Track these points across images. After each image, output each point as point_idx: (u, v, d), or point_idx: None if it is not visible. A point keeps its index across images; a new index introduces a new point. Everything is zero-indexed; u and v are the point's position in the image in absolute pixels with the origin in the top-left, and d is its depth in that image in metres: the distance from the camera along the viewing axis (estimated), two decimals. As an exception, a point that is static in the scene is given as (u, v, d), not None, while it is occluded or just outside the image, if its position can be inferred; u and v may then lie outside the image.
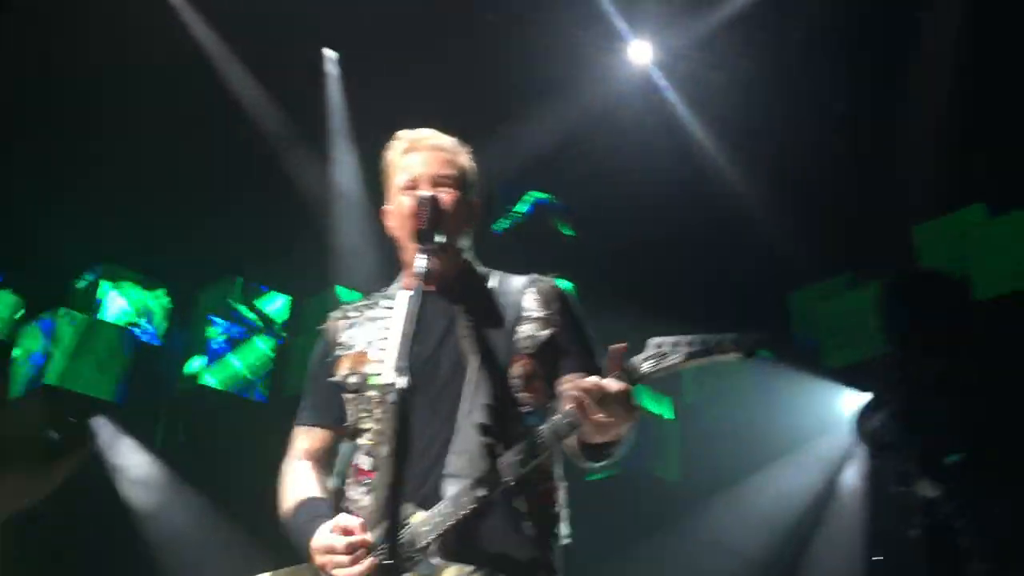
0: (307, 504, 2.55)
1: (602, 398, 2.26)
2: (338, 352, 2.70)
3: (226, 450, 8.37)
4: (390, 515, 2.04)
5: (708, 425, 8.95)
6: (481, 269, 2.82)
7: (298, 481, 2.64)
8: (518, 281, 2.77)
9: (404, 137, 2.82)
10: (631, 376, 2.33)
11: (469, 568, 2.33)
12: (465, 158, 2.84)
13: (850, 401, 8.33)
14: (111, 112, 7.66)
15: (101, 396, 8.17)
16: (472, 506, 2.33)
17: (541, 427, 2.40)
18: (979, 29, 7.21)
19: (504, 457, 2.38)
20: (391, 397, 2.41)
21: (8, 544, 7.60)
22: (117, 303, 8.62)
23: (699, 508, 8.71)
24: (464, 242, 2.77)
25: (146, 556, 7.92)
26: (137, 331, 8.70)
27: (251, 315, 8.96)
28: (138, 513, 8.20)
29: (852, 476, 8.17)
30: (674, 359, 2.32)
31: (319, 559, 2.37)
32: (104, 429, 8.42)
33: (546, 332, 2.65)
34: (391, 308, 2.63)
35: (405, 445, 2.11)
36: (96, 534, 7.86)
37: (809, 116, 8.09)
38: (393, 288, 2.78)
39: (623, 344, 2.34)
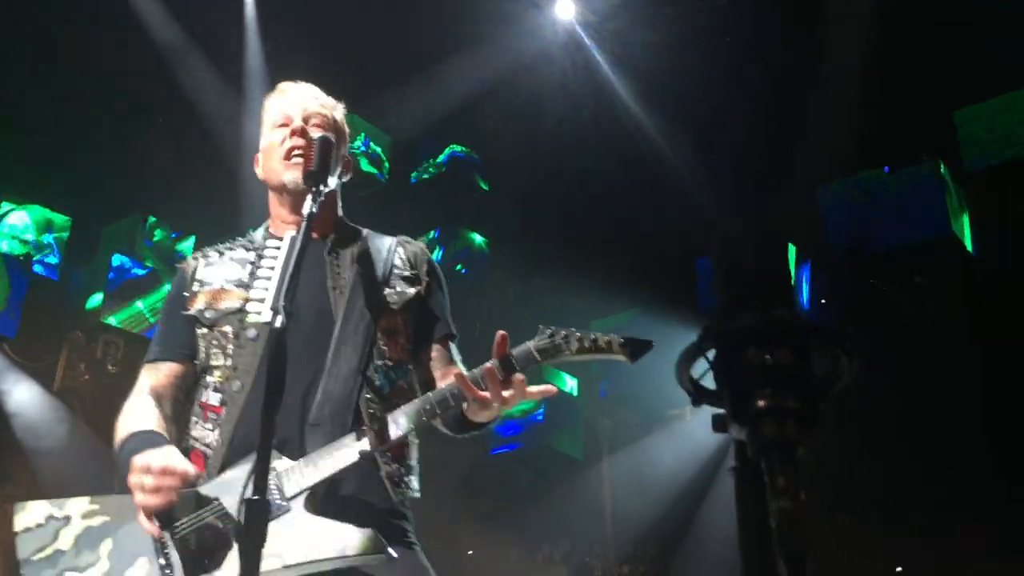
0: (139, 435, 2.45)
1: (501, 387, 2.34)
2: (195, 288, 2.66)
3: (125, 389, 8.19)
4: (260, 454, 1.97)
5: (611, 392, 9.14)
6: (350, 224, 2.81)
7: (135, 415, 2.54)
8: (388, 240, 2.78)
9: (280, 85, 2.81)
10: (522, 363, 2.39)
11: (340, 522, 2.30)
12: (339, 112, 2.82)
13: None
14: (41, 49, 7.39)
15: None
16: (354, 460, 2.33)
17: (430, 394, 2.43)
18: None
19: (393, 416, 2.40)
20: (250, 333, 2.50)
21: None
22: (18, 220, 8.29)
23: (593, 475, 8.99)
24: (335, 192, 2.76)
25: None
26: (36, 266, 8.40)
27: (154, 256, 8.73)
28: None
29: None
30: (566, 352, 2.41)
31: (132, 478, 2.30)
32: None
33: (413, 290, 2.68)
34: (253, 250, 2.68)
35: (276, 385, 2.04)
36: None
37: (727, 77, 8.21)
38: (259, 232, 2.77)
39: (503, 332, 2.39)
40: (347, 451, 2.34)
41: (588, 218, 9.24)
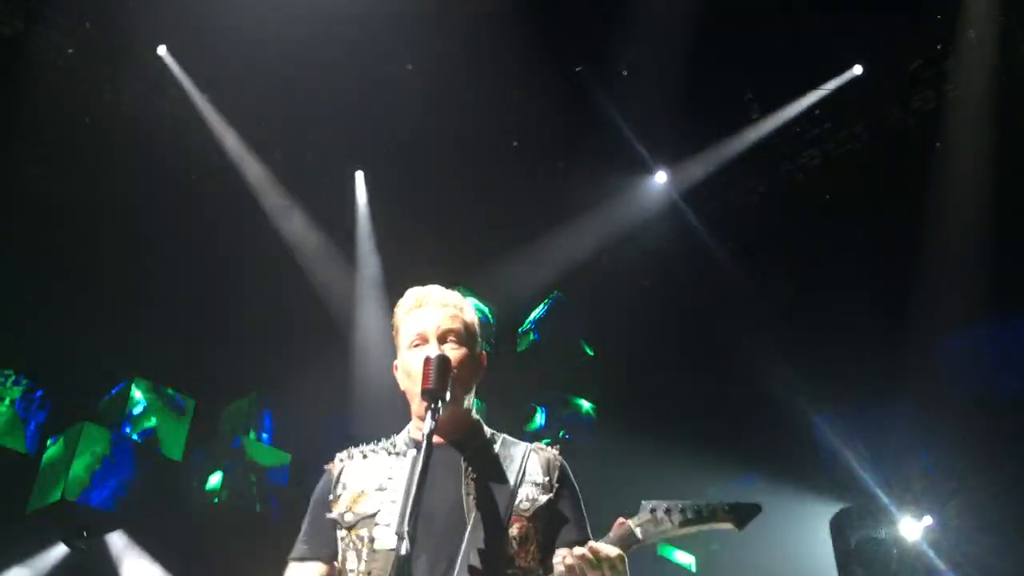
0: None
1: (598, 562, 2.34)
2: (339, 491, 2.73)
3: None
4: None
5: (732, 564, 8.75)
6: (486, 429, 2.85)
7: None
8: (522, 445, 2.81)
9: (411, 294, 2.86)
10: (625, 542, 2.39)
11: None
12: (470, 312, 2.87)
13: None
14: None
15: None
16: None
17: None
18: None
19: None
20: (377, 545, 2.52)
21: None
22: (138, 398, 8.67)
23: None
24: (470, 397, 2.79)
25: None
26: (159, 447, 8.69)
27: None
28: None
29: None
30: (667, 526, 2.38)
31: None
32: (116, 541, 8.36)
33: (545, 497, 2.68)
34: (393, 455, 2.75)
35: None
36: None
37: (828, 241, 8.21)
38: (400, 437, 2.84)
39: (623, 520, 2.42)
40: None
41: (697, 380, 9.12)
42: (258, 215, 8.19)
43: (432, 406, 2.40)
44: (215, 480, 8.83)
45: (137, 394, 8.67)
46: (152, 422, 8.69)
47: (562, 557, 2.44)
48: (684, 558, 9.47)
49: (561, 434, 9.66)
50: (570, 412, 9.91)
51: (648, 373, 9.27)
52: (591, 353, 9.90)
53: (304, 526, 2.78)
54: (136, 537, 8.47)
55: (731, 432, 8.46)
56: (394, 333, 2.88)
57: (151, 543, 8.47)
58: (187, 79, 7.54)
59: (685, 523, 2.38)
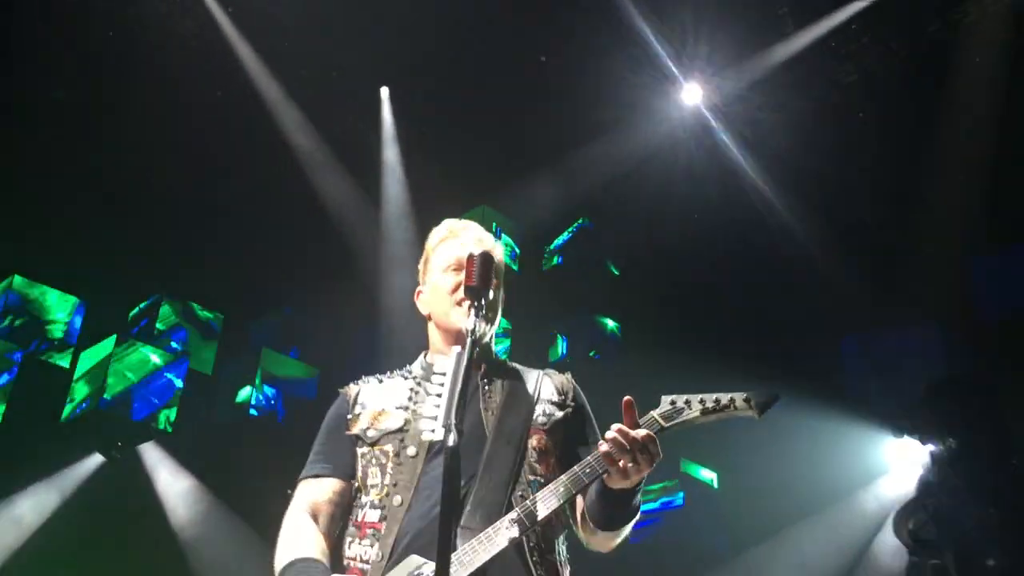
0: (297, 565, 2.53)
1: (630, 444, 2.39)
2: (357, 411, 2.79)
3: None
4: (441, 562, 2.04)
5: (753, 481, 8.84)
6: (501, 357, 2.95)
7: (297, 535, 2.63)
8: (535, 372, 2.90)
9: (446, 226, 2.97)
10: (650, 427, 2.47)
11: None
12: (500, 252, 2.95)
13: (895, 449, 8.23)
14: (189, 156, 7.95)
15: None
16: (504, 545, 2.37)
17: (562, 476, 2.49)
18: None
19: (540, 495, 2.47)
20: (410, 451, 2.60)
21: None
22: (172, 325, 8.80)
23: (740, 564, 8.65)
24: (492, 329, 2.86)
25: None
26: (189, 360, 8.84)
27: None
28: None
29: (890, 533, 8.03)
30: (689, 414, 2.49)
31: None
32: (150, 454, 8.56)
33: (561, 413, 2.78)
34: (411, 378, 2.82)
35: (452, 498, 2.15)
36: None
37: (860, 157, 8.06)
38: (416, 364, 2.91)
39: (629, 398, 2.46)
40: (497, 539, 2.39)
41: (720, 301, 9.10)
42: (283, 134, 8.14)
43: (475, 304, 2.42)
44: (244, 393, 9.00)
45: (167, 309, 8.79)
46: (182, 337, 8.82)
47: (597, 445, 2.48)
48: (707, 474, 9.60)
49: (591, 353, 9.72)
50: (595, 331, 9.95)
51: (672, 293, 9.25)
52: (616, 273, 9.88)
53: (317, 447, 2.84)
54: (168, 449, 8.68)
55: (757, 351, 8.46)
56: (423, 261, 2.96)
57: (183, 455, 8.68)
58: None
59: (706, 412, 2.49)
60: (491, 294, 2.66)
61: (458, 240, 2.89)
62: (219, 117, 7.88)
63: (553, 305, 9.61)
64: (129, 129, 7.72)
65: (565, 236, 9.87)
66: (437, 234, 2.95)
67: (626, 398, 2.46)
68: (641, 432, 2.40)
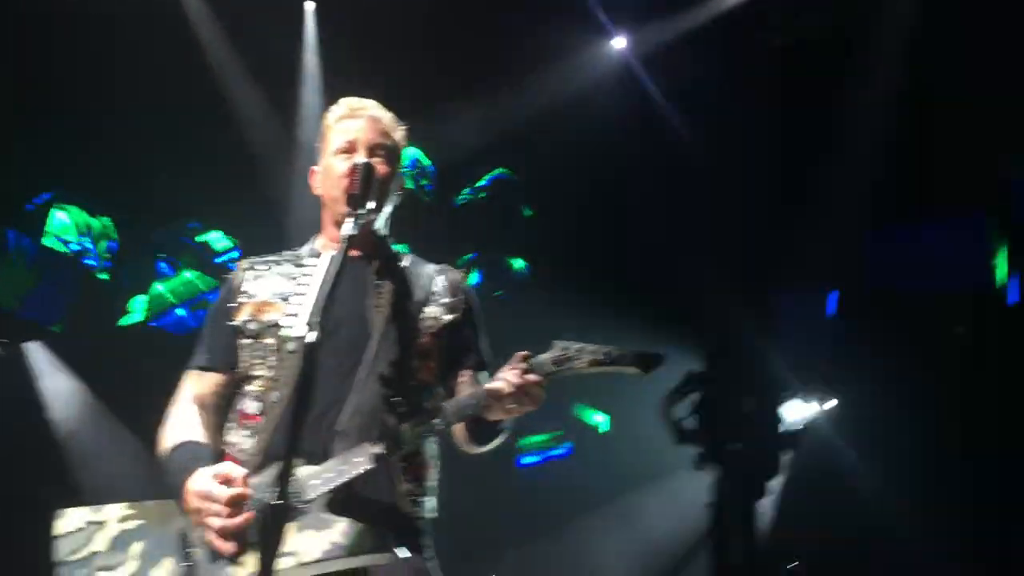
0: (187, 446, 2.55)
1: (516, 389, 2.45)
2: (240, 299, 2.74)
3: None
4: (285, 460, 2.06)
5: (640, 429, 9.06)
6: (396, 247, 2.90)
7: (182, 422, 2.64)
8: (430, 266, 2.88)
9: (345, 103, 2.88)
10: (539, 372, 2.49)
11: (354, 523, 2.36)
12: (400, 134, 2.90)
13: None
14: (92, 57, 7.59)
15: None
16: (368, 466, 2.40)
17: (445, 404, 2.54)
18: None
19: (404, 424, 2.48)
20: (290, 346, 2.57)
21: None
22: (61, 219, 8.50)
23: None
24: (385, 215, 2.82)
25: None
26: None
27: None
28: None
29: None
30: (577, 363, 2.51)
31: (195, 503, 2.38)
32: (37, 354, 8.32)
33: (450, 316, 2.77)
34: (300, 266, 2.77)
35: (304, 397, 2.15)
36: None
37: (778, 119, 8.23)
38: (305, 248, 2.87)
39: (526, 352, 2.51)
40: (365, 456, 2.41)
41: (630, 251, 9.21)
42: (202, 44, 7.85)
43: (355, 212, 2.42)
44: (141, 301, 8.78)
45: (61, 214, 8.47)
46: (76, 239, 8.55)
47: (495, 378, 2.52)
48: (598, 418, 9.78)
49: (498, 292, 9.75)
50: (501, 270, 9.97)
51: (588, 238, 9.30)
52: (529, 213, 9.89)
53: (202, 336, 2.80)
54: (58, 351, 8.44)
55: (655, 303, 8.62)
56: (320, 140, 2.88)
57: (73, 359, 8.46)
58: None
59: (594, 364, 2.51)
60: (386, 181, 2.70)
61: (354, 121, 2.82)
62: (134, 29, 7.53)
63: (465, 239, 9.60)
64: (34, 33, 7.33)
65: (483, 182, 9.84)
66: (335, 111, 2.88)
67: (522, 352, 2.50)
68: (532, 376, 2.46)
